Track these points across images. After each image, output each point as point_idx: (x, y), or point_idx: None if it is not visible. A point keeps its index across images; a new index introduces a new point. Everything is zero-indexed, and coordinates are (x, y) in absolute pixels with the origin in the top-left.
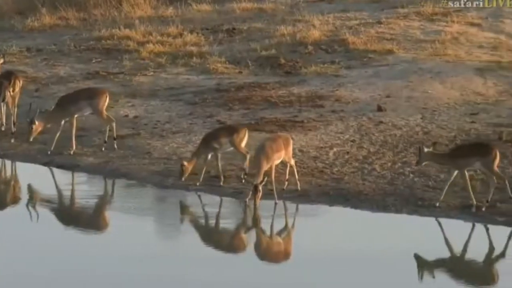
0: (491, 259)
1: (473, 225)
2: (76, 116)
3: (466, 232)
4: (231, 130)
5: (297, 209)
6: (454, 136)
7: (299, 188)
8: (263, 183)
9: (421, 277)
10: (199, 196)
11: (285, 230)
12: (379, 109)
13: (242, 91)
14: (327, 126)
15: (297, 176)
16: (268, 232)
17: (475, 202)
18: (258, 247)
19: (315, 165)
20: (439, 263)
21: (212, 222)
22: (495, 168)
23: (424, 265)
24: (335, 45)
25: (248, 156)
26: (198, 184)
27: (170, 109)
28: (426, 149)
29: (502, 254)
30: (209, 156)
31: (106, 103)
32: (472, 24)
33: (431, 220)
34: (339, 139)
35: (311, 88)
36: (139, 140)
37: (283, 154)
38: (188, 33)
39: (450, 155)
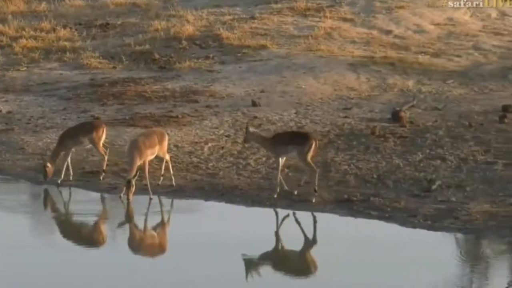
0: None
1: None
2: None
3: (340, 225)
4: (89, 128)
5: (172, 204)
6: (328, 131)
7: (174, 183)
8: (136, 177)
9: (247, 275)
10: (73, 191)
11: (160, 224)
12: (254, 104)
13: (116, 86)
14: (202, 121)
15: (172, 171)
16: (141, 227)
17: (278, 190)
18: (131, 241)
19: (190, 160)
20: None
21: (83, 218)
22: (308, 158)
23: (251, 266)
24: (209, 40)
25: (106, 157)
26: (71, 179)
27: (43, 104)
28: (251, 129)
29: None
30: (71, 151)
31: None
32: (345, 20)
33: (306, 214)
34: (214, 134)
35: (186, 83)
36: (12, 135)
37: (157, 150)
38: (61, 28)
39: (271, 141)
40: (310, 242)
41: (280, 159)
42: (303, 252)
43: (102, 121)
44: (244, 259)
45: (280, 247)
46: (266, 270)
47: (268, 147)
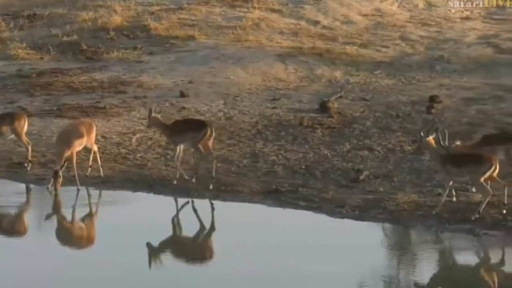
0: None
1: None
2: None
3: (269, 215)
4: (10, 118)
5: (100, 195)
6: (256, 121)
7: (102, 174)
8: (64, 168)
9: (150, 263)
10: (1, 183)
11: (88, 216)
12: (182, 94)
13: (44, 77)
14: (130, 112)
15: (100, 162)
16: (69, 218)
17: (177, 176)
18: (59, 232)
19: (118, 151)
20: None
21: (9, 209)
22: (199, 145)
23: (153, 252)
24: (137, 31)
25: (30, 147)
26: None
27: None
28: (153, 114)
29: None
30: None
31: None
32: (273, 10)
33: (234, 205)
34: (142, 125)
35: (114, 74)
36: None
37: (85, 141)
38: None
39: (169, 128)
40: (214, 230)
41: (178, 147)
42: (205, 239)
43: (24, 112)
44: (148, 247)
45: (191, 235)
46: (167, 257)
47: (166, 134)
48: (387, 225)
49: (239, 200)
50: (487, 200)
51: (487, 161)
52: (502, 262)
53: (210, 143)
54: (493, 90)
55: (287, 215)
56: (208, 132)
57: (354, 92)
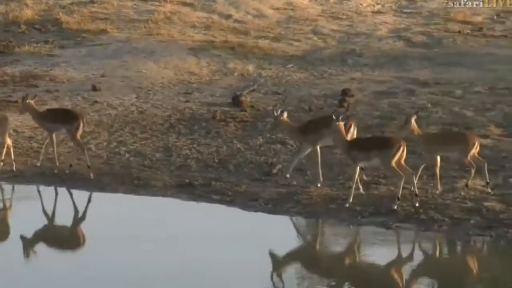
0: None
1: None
2: None
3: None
4: None
5: (13, 189)
6: (169, 115)
7: (14, 168)
8: None
9: (26, 255)
10: None
11: (1, 211)
12: (94, 88)
13: None
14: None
15: (13, 157)
16: None
17: (58, 165)
18: None
19: (30, 145)
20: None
21: None
22: (77, 136)
23: (27, 245)
24: (48, 25)
25: None
26: None
27: None
28: (28, 101)
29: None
30: None
31: None
32: (185, 4)
33: (148, 199)
34: None
35: (25, 68)
36: None
37: None
38: None
39: (41, 117)
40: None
41: (53, 135)
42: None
43: None
44: (22, 239)
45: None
46: (41, 249)
47: (39, 122)
48: (300, 218)
49: (152, 194)
50: (402, 183)
51: (395, 143)
52: (414, 255)
53: (80, 132)
54: (404, 83)
55: (200, 208)
56: (81, 123)
57: (267, 85)
